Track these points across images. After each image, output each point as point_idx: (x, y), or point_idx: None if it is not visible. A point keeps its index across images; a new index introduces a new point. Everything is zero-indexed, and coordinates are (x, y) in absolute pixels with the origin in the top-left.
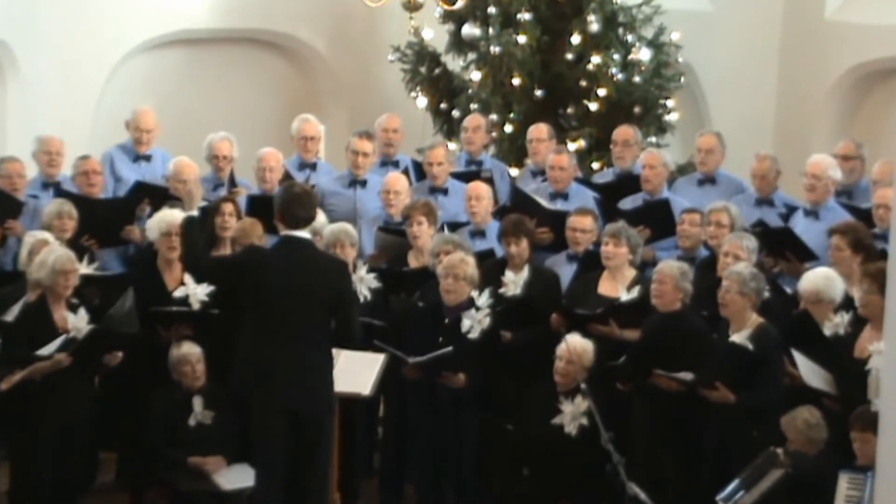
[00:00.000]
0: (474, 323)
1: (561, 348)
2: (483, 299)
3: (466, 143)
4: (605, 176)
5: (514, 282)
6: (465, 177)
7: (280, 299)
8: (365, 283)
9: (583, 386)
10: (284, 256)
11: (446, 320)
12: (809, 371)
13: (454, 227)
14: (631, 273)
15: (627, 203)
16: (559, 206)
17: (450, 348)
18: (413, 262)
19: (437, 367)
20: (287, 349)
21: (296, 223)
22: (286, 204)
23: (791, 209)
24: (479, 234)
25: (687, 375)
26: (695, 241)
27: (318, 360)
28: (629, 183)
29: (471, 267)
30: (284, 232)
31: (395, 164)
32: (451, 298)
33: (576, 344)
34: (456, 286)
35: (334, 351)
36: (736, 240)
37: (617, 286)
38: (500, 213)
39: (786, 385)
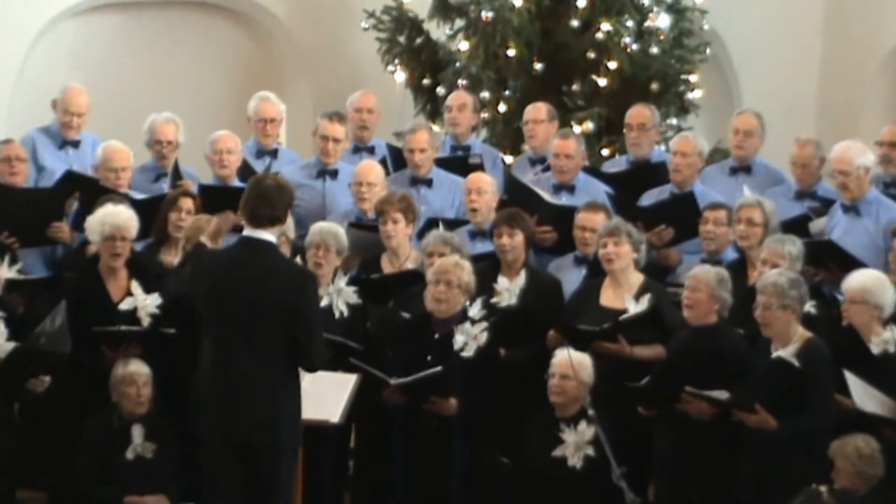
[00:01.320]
0: (468, 339)
1: (554, 362)
2: (475, 310)
3: (450, 124)
4: (617, 165)
5: (509, 290)
6: (451, 164)
7: (230, 312)
8: (343, 296)
9: (590, 412)
10: (238, 261)
11: (436, 335)
12: (864, 394)
13: (453, 224)
14: (637, 279)
15: (653, 197)
16: (563, 200)
17: (438, 368)
18: (387, 266)
19: (423, 390)
20: (241, 370)
21: (259, 222)
22: (253, 198)
23: (826, 202)
24: (481, 234)
25: (721, 394)
26: (721, 243)
27: (277, 382)
28: (646, 173)
29: (466, 273)
30: (246, 231)
31: (370, 151)
32: (441, 309)
33: (574, 356)
34: (448, 295)
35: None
36: (776, 245)
37: (622, 295)
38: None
39: (835, 410)
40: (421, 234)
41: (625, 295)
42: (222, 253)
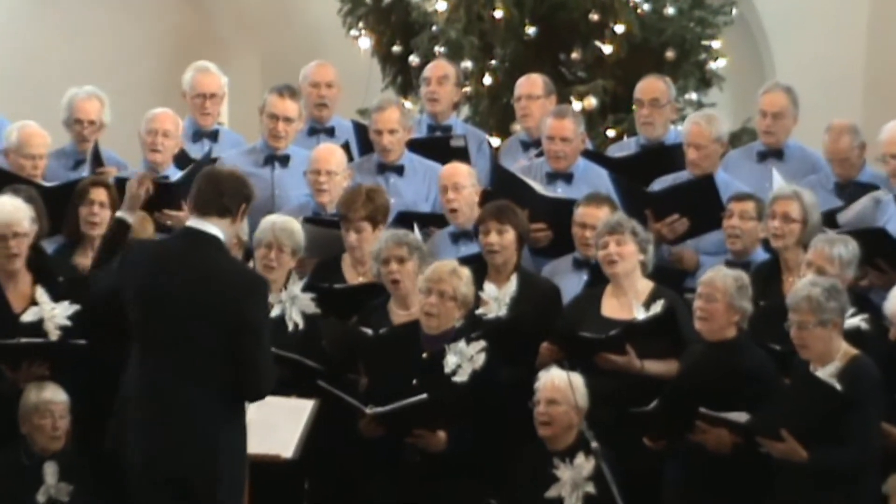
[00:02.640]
0: (462, 360)
1: (538, 385)
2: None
3: (427, 99)
4: (624, 148)
5: (497, 298)
6: (428, 148)
7: (161, 318)
8: (298, 305)
9: (593, 444)
10: (176, 256)
11: (423, 354)
12: None
13: (430, 220)
14: (645, 285)
15: (666, 185)
16: (560, 191)
17: (423, 396)
18: (349, 272)
19: (406, 420)
20: (173, 392)
21: (205, 209)
22: (202, 181)
23: (868, 189)
24: (465, 236)
25: (740, 416)
26: (749, 242)
27: (217, 407)
28: (659, 158)
29: (464, 283)
30: (190, 221)
31: (329, 133)
32: (432, 325)
33: (561, 376)
34: (441, 308)
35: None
36: (825, 246)
37: (628, 304)
38: (480, 202)
39: (881, 442)
40: None
41: (631, 303)
42: (156, 245)
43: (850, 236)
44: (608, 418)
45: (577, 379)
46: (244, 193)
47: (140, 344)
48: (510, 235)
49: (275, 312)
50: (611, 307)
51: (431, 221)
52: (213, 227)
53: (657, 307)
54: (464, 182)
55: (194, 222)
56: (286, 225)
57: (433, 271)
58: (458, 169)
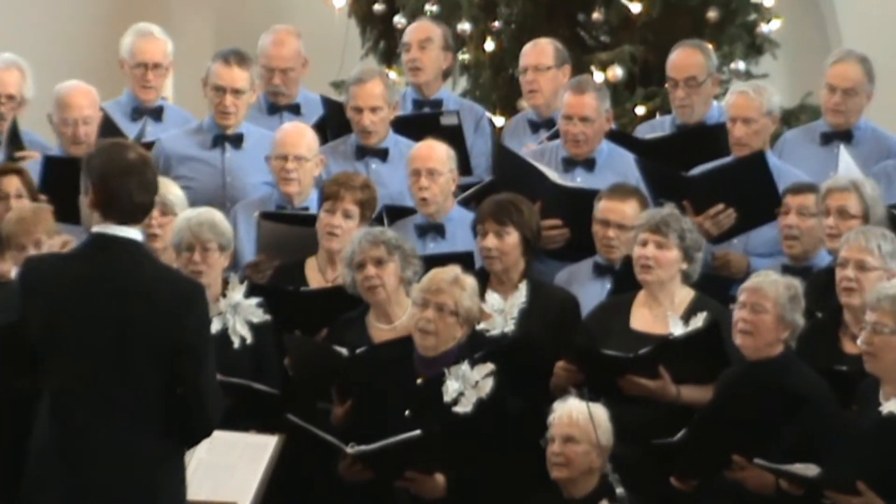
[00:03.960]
0: (465, 387)
1: (553, 418)
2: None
3: (410, 68)
4: (657, 128)
5: (502, 311)
6: (414, 127)
7: (77, 347)
8: (242, 314)
9: (619, 491)
10: (88, 271)
11: (418, 380)
12: None
13: (408, 214)
14: (685, 295)
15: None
16: (579, 181)
17: (417, 432)
18: (316, 278)
19: (397, 461)
20: (94, 434)
21: (122, 213)
22: (109, 177)
23: None
24: (434, 229)
25: (808, 469)
26: (810, 243)
27: (151, 451)
28: (699, 140)
29: (468, 294)
30: (98, 227)
31: (294, 110)
32: (428, 344)
33: (581, 409)
34: (440, 324)
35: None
36: (859, 239)
37: (663, 317)
38: (477, 196)
39: None
40: None
41: (667, 316)
42: (61, 260)
43: None
44: (634, 456)
45: (600, 412)
46: (156, 184)
47: (53, 382)
48: (512, 238)
49: (215, 327)
50: (642, 319)
51: (406, 212)
52: (130, 230)
53: (698, 321)
54: (440, 168)
55: (103, 227)
56: (203, 217)
57: (430, 280)
58: (434, 151)
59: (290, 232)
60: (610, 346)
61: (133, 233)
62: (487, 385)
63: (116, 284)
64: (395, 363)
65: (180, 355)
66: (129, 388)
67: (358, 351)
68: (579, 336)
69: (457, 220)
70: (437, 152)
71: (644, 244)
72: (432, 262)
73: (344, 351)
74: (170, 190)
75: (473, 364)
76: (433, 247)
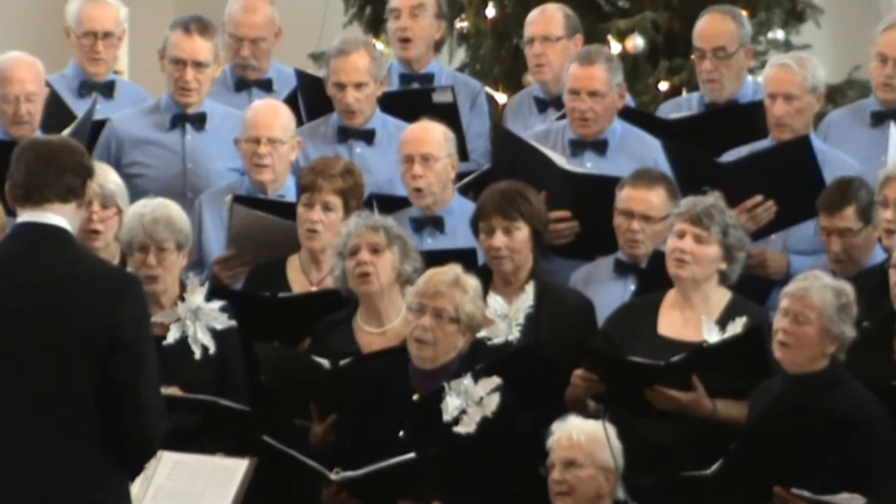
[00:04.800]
0: (469, 404)
1: (553, 440)
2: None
3: (397, 39)
4: (683, 107)
5: (506, 316)
6: (404, 105)
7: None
8: (204, 319)
9: None
10: (8, 265)
11: (414, 396)
12: None
13: (398, 204)
14: (721, 297)
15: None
16: (589, 166)
17: (411, 455)
18: (298, 279)
19: (388, 488)
20: (17, 448)
21: (42, 196)
22: (27, 160)
23: None
24: (431, 223)
25: (854, 501)
26: (860, 256)
27: (89, 470)
28: (731, 120)
29: (470, 297)
30: (23, 216)
31: (265, 86)
32: (425, 356)
33: (582, 429)
34: (438, 333)
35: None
36: None
37: (695, 321)
38: (476, 183)
39: None
40: None
41: (700, 320)
42: None
43: None
44: (655, 484)
45: (606, 429)
46: (86, 166)
47: None
48: (522, 234)
49: (173, 336)
50: (671, 323)
51: (401, 205)
52: (56, 217)
53: (737, 326)
54: (436, 153)
55: (28, 215)
56: (158, 213)
57: (427, 283)
58: (429, 133)
59: (267, 222)
60: (634, 353)
61: (59, 220)
62: (493, 402)
63: (39, 278)
64: (386, 376)
65: (113, 357)
66: (59, 398)
67: (342, 363)
68: (600, 340)
69: (457, 213)
70: (432, 135)
71: (681, 235)
72: (430, 259)
73: (325, 362)
74: (109, 178)
75: (477, 377)
76: (431, 243)
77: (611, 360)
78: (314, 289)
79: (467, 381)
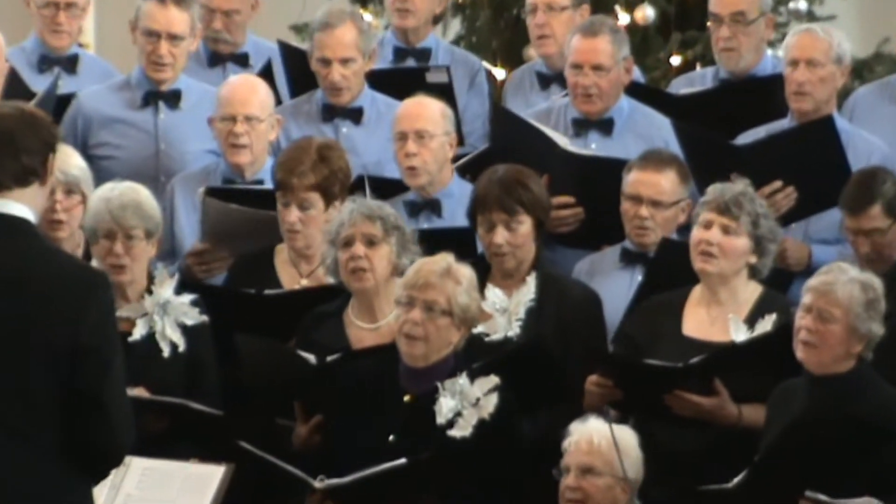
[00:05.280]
0: (464, 406)
1: (569, 443)
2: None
3: (395, 9)
4: (696, 82)
5: (506, 310)
6: (396, 83)
7: None
8: (173, 314)
9: None
10: None
11: (405, 397)
12: None
13: (390, 187)
14: (752, 291)
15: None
16: (594, 147)
17: (402, 461)
18: (288, 273)
19: (377, 497)
20: None
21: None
22: None
23: None
24: (428, 207)
25: None
26: (891, 254)
27: (50, 480)
28: (747, 95)
29: (463, 288)
30: None
31: (241, 60)
32: (416, 353)
33: (604, 433)
34: (430, 328)
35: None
36: None
37: (722, 320)
38: (473, 165)
39: None
40: None
41: (728, 319)
42: None
43: None
44: (672, 497)
45: (627, 436)
46: (47, 139)
47: None
48: (525, 227)
49: (139, 332)
50: (696, 322)
51: (394, 190)
52: (16, 206)
53: (766, 325)
54: (433, 129)
55: None
56: (126, 198)
57: (416, 273)
58: (424, 108)
59: (243, 215)
60: (657, 356)
61: (20, 209)
62: (491, 403)
63: None
64: (374, 375)
65: (77, 360)
66: (18, 404)
67: (329, 358)
68: (621, 342)
69: (457, 196)
70: (428, 110)
71: (707, 226)
72: (424, 239)
73: (311, 357)
74: (73, 162)
75: (473, 377)
76: (426, 226)
77: (625, 363)
78: (304, 281)
79: (462, 380)
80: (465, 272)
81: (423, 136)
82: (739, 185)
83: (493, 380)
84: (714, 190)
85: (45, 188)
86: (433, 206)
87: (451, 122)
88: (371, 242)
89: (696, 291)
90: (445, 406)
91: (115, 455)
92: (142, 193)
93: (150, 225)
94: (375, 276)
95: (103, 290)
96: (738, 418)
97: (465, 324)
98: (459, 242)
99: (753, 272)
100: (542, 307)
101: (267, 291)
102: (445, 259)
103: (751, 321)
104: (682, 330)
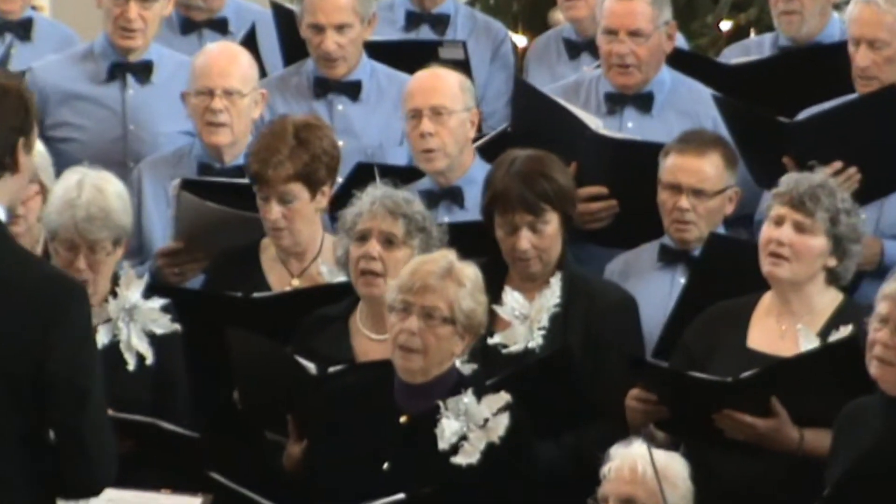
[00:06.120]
0: (470, 427)
1: (608, 469)
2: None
3: None
4: (752, 50)
5: (527, 317)
6: (401, 57)
7: None
8: (140, 323)
9: None
10: None
11: (401, 417)
12: None
13: (402, 175)
14: (830, 301)
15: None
16: (630, 126)
17: (400, 496)
18: (277, 274)
19: None
20: None
21: None
22: None
23: None
24: (449, 196)
25: None
26: None
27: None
28: (811, 66)
29: (468, 291)
30: None
31: (219, 26)
32: (414, 367)
33: (647, 457)
34: (429, 337)
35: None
36: None
37: (794, 333)
38: (489, 149)
39: None
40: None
41: (799, 331)
42: None
43: None
44: None
45: (676, 464)
46: (11, 122)
47: None
48: (552, 227)
49: (101, 340)
50: (764, 334)
51: (408, 177)
52: None
53: (842, 335)
54: (451, 104)
55: None
56: (93, 209)
57: (412, 275)
58: (440, 80)
59: (222, 215)
60: (715, 370)
61: None
62: (501, 424)
63: None
64: (365, 392)
65: (47, 394)
66: None
67: (331, 370)
68: (675, 356)
69: (480, 182)
70: (445, 82)
71: (778, 222)
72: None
73: (312, 366)
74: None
75: (481, 394)
76: (445, 219)
77: (667, 374)
78: (296, 282)
79: (468, 398)
80: (469, 272)
81: (440, 112)
82: (818, 176)
83: (504, 397)
84: (788, 180)
85: (18, 177)
86: (454, 195)
87: (472, 95)
88: (389, 242)
89: (766, 299)
90: (448, 428)
91: (94, 490)
92: (110, 199)
93: (118, 233)
94: (389, 282)
95: (79, 305)
96: (800, 444)
97: (469, 332)
98: (482, 234)
99: (832, 277)
100: (569, 313)
101: (256, 294)
102: (445, 257)
103: (825, 333)
104: (747, 342)
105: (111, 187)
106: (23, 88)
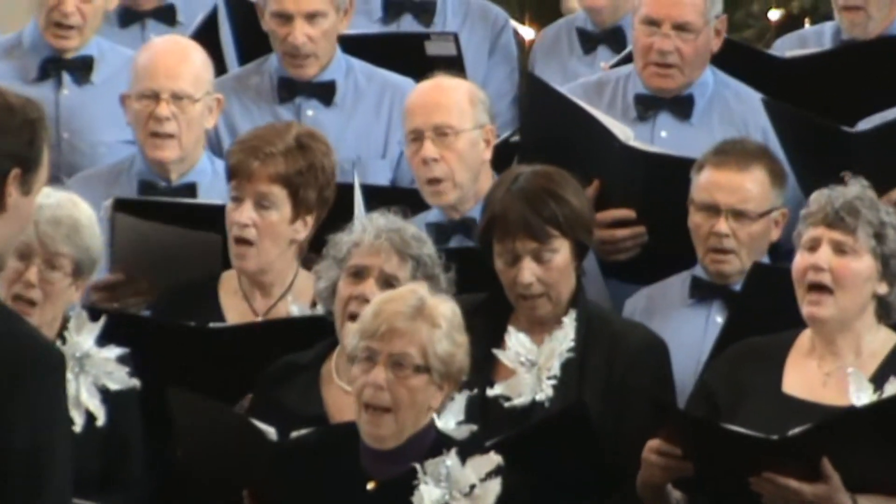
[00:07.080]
0: (454, 495)
1: None
2: (448, 420)
3: None
4: (809, 42)
5: (535, 364)
6: (384, 52)
7: None
8: (92, 375)
9: None
10: None
11: (368, 485)
12: None
13: (394, 197)
14: (884, 340)
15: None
16: (664, 136)
17: None
18: (235, 307)
19: None
20: None
21: None
22: None
23: None
24: (461, 229)
25: None
26: None
27: None
28: (875, 61)
29: (443, 331)
30: None
31: (165, 16)
32: (383, 431)
33: None
34: (399, 390)
35: None
36: None
37: (840, 377)
38: (494, 157)
39: None
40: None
41: (850, 376)
42: None
43: None
44: None
45: None
46: (19, 144)
47: None
48: (561, 256)
49: None
50: (803, 378)
51: (395, 199)
52: None
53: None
54: (458, 122)
55: None
56: (63, 211)
57: (376, 316)
58: (445, 94)
59: (168, 233)
60: (744, 419)
61: None
62: (491, 492)
63: None
64: (328, 453)
65: (7, 466)
66: None
67: (295, 435)
68: (692, 400)
69: None
70: (449, 97)
71: (813, 247)
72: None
73: (271, 431)
74: None
75: (466, 455)
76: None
77: (697, 425)
78: (260, 320)
79: (451, 460)
80: (444, 309)
81: (445, 133)
82: (854, 188)
83: (494, 459)
84: (819, 197)
85: (5, 219)
86: (467, 229)
87: (486, 108)
88: (389, 285)
89: (805, 336)
90: (428, 496)
91: None
92: (83, 213)
93: (82, 258)
94: None
95: (55, 371)
96: None
97: (448, 380)
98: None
99: (883, 311)
100: (586, 360)
101: (213, 325)
102: (415, 293)
103: (879, 379)
104: (782, 387)
105: (85, 207)
106: (33, 115)
